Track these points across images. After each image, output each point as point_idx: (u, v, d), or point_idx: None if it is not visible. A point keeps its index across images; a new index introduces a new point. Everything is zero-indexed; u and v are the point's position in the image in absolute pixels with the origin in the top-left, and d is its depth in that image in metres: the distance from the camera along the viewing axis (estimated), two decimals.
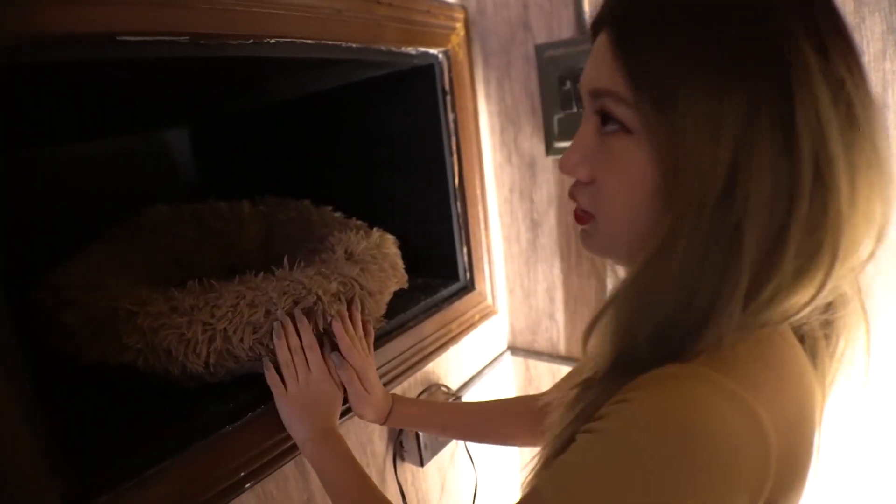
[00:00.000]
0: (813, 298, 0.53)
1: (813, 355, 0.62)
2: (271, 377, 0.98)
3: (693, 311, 0.53)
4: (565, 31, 1.40)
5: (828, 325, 0.63)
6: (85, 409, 0.98)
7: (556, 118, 1.42)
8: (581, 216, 0.67)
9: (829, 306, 0.60)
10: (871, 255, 0.55)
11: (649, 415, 0.50)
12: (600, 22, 0.59)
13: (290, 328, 0.97)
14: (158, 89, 1.23)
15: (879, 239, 0.54)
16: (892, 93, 1.08)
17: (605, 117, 0.59)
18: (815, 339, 0.63)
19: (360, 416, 1.07)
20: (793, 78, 0.48)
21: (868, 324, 0.63)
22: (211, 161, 1.93)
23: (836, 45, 0.50)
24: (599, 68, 0.58)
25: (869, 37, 1.08)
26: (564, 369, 1.62)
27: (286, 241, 1.43)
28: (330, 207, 1.46)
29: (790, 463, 0.53)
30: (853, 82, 0.50)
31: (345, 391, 1.04)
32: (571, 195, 0.68)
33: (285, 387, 0.98)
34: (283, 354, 0.97)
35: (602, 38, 0.58)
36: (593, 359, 0.62)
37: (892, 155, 0.53)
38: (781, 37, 0.49)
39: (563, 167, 0.66)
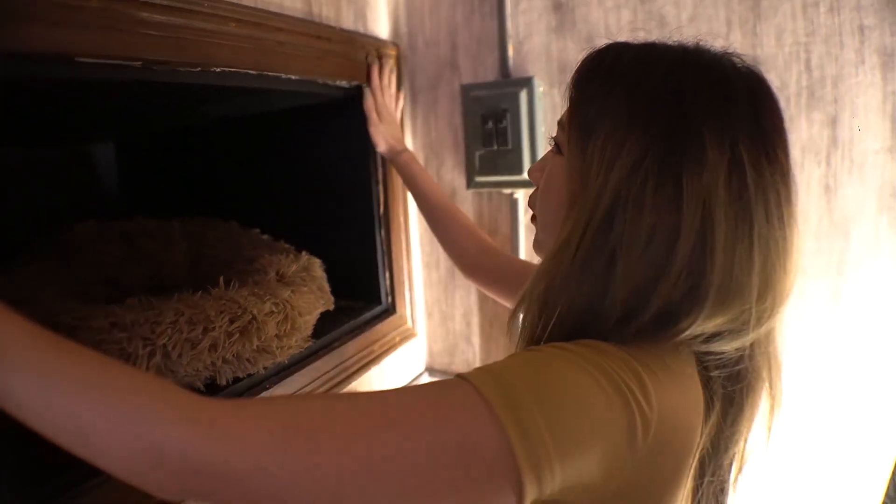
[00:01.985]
0: (690, 326, 0.63)
1: (710, 394, 0.70)
2: None
3: (573, 314, 0.65)
4: (490, 73, 1.51)
5: (731, 383, 0.72)
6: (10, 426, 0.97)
7: (477, 154, 1.51)
8: (532, 220, 0.84)
9: (737, 373, 0.70)
10: (768, 316, 0.65)
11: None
12: None
13: None
14: (94, 105, 1.25)
15: (769, 300, 0.64)
16: None
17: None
18: (715, 387, 0.71)
19: (375, 145, 1.41)
20: (687, 151, 0.61)
21: (775, 404, 0.75)
22: (136, 177, 1.93)
23: (747, 135, 0.62)
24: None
25: None
26: None
27: (214, 261, 1.45)
28: (257, 230, 1.50)
29: (667, 453, 0.61)
30: (755, 171, 0.62)
31: None
32: (529, 202, 0.84)
33: None
34: None
35: None
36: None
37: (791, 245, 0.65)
38: (684, 119, 0.62)
39: (528, 173, 0.85)
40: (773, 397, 0.74)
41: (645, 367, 0.61)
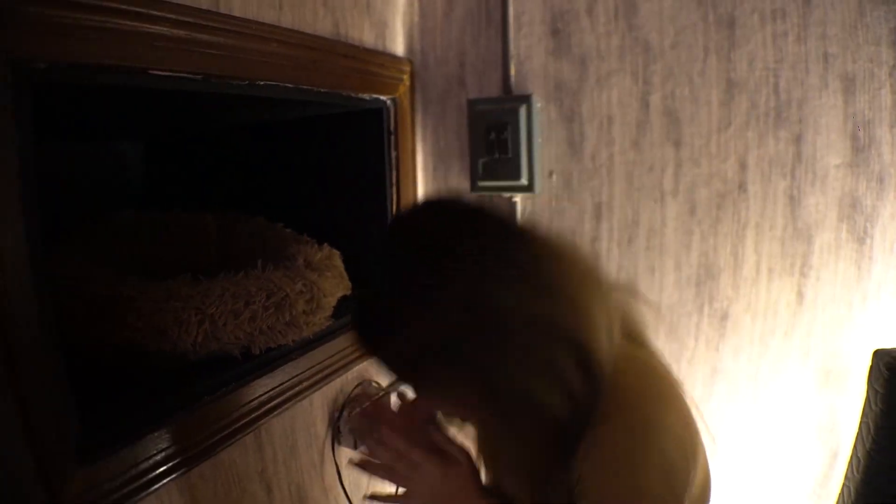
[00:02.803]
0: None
1: None
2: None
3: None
4: (493, 89, 1.69)
5: None
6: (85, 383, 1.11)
7: (480, 161, 1.68)
8: None
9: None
10: None
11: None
12: None
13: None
14: (146, 109, 1.42)
15: None
16: (752, 155, 1.44)
17: None
18: None
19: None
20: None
21: None
22: (163, 173, 2.07)
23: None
24: None
25: (736, 111, 1.40)
26: None
27: (242, 251, 1.61)
28: (281, 224, 1.66)
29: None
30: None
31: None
32: None
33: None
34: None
35: None
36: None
37: None
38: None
39: None
40: None
41: None
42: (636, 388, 0.79)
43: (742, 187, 1.46)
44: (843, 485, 1.35)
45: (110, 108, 1.38)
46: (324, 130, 1.70)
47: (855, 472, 1.31)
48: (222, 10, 1.10)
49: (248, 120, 1.79)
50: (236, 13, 1.13)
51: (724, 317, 1.52)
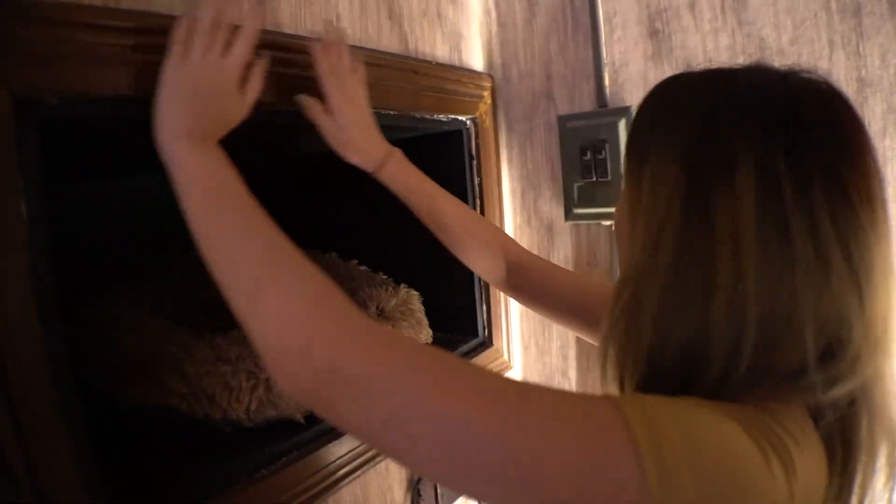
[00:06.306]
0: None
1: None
2: (179, 35, 0.77)
3: (669, 349, 0.60)
4: (587, 104, 1.50)
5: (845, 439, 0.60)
6: (125, 446, 1.01)
7: (575, 186, 1.49)
8: None
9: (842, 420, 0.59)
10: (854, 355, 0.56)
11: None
12: None
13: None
14: None
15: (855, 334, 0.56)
16: (892, 168, 1.18)
17: None
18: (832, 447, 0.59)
19: (344, 157, 1.11)
20: (718, 178, 0.58)
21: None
22: None
23: (788, 154, 0.56)
24: None
25: (870, 116, 1.19)
26: None
27: None
28: (356, 261, 1.52)
29: None
30: (798, 193, 0.55)
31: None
32: None
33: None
34: (206, 17, 0.78)
35: None
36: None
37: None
38: (716, 144, 0.59)
39: None
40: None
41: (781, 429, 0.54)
42: None
43: None
44: None
45: (124, 142, 1.26)
46: None
47: None
48: (269, 27, 0.96)
49: (309, 149, 1.67)
50: (286, 30, 0.99)
51: None
